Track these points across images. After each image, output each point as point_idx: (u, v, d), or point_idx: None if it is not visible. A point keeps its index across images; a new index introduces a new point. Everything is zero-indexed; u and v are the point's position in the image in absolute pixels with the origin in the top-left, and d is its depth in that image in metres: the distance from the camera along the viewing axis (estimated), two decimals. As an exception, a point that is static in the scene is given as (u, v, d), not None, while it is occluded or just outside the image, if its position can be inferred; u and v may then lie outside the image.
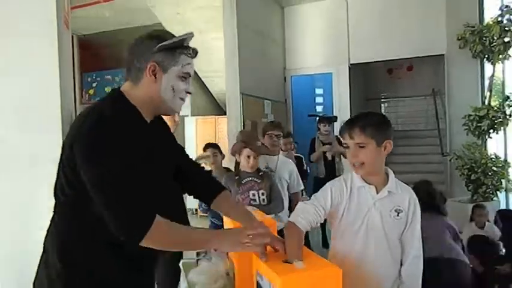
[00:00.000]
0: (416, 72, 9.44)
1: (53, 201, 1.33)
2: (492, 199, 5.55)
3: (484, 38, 5.67)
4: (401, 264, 1.64)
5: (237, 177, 2.71)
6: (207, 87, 7.99)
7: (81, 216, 1.28)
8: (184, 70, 1.34)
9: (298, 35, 7.39)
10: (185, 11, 6.37)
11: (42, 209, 2.34)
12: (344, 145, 1.65)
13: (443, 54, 6.55)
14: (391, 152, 6.13)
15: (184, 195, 1.92)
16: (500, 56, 5.66)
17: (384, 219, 1.58)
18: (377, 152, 1.57)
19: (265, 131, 3.26)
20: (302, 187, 3.19)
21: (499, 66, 5.90)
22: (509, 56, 5.68)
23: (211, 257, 2.05)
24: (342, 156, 4.76)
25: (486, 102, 5.76)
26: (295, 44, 7.41)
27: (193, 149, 6.87)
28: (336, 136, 4.74)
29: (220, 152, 3.48)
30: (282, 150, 4.40)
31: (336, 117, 5.50)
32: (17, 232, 2.40)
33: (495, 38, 5.56)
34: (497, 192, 5.67)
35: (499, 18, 5.52)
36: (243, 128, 5.41)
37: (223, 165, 3.52)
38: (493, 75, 5.84)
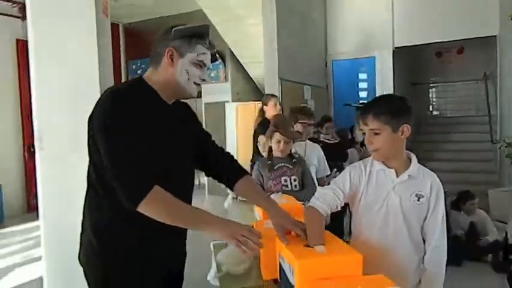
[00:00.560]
0: (467, 55, 8.93)
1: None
2: (545, 190, 5.22)
3: (541, 18, 5.26)
4: (424, 252, 1.60)
5: (269, 163, 2.70)
6: (247, 73, 8.01)
7: (106, 196, 1.39)
8: (199, 58, 1.45)
9: (339, 18, 7.22)
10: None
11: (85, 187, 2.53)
12: (360, 130, 1.65)
13: (495, 36, 6.15)
14: (441, 140, 6.04)
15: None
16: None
17: (404, 203, 1.55)
18: (393, 137, 1.53)
19: (297, 118, 3.19)
20: (328, 172, 3.16)
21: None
22: None
23: (215, 235, 2.11)
24: None
25: (542, 87, 5.37)
26: (336, 28, 7.25)
27: (233, 134, 6.95)
28: None
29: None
30: (322, 134, 4.41)
31: None
32: (64, 212, 2.55)
33: (553, 16, 5.14)
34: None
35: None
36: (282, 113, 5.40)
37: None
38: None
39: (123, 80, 8.75)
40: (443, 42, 7.13)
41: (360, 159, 1.76)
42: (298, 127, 3.14)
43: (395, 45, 6.92)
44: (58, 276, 2.53)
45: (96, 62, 2.50)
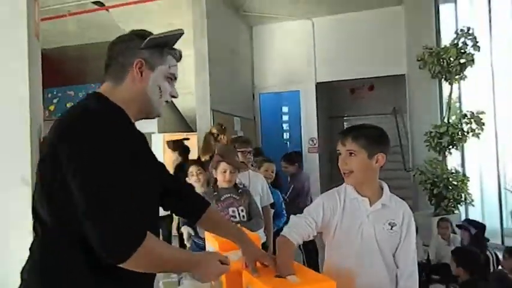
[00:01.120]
0: (377, 92, 9.79)
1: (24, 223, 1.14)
2: (454, 212, 5.78)
3: (441, 60, 5.99)
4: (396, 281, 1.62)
5: (215, 194, 2.63)
6: (174, 104, 7.90)
7: (71, 247, 1.08)
8: (171, 71, 1.26)
9: (266, 54, 7.53)
10: (153, 27, 6.30)
11: (7, 224, 2.22)
12: (337, 151, 1.65)
13: (404, 74, 6.86)
14: None
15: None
16: (457, 77, 5.99)
17: (377, 232, 1.59)
18: (367, 163, 1.58)
19: (236, 148, 3.15)
20: (271, 201, 3.17)
21: (456, 85, 6.24)
22: (465, 76, 6.02)
23: (194, 275, 1.99)
24: None
25: (445, 120, 6.06)
26: (263, 63, 7.54)
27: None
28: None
29: (204, 170, 3.28)
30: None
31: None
32: None
33: (452, 59, 5.88)
34: (459, 205, 5.91)
35: (455, 41, 5.87)
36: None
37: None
38: (450, 94, 6.17)
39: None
40: (356, 79, 7.75)
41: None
42: (238, 157, 3.14)
43: (318, 81, 7.37)
44: None
45: (27, 89, 2.29)
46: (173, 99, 4.84)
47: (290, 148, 7.71)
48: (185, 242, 2.97)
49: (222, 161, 2.67)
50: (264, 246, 2.59)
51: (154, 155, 1.39)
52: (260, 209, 2.89)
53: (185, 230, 2.85)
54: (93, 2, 6.24)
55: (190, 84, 5.89)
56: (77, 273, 1.08)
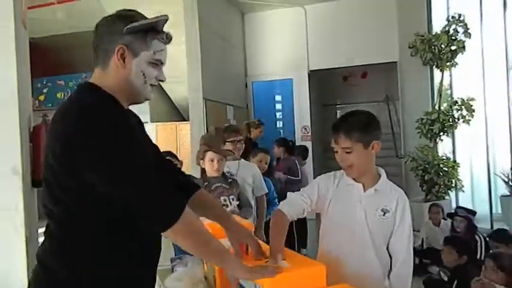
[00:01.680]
0: (370, 79, 9.81)
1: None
2: (444, 198, 5.86)
3: (433, 47, 6.00)
4: (390, 267, 1.63)
5: (206, 184, 2.62)
6: (166, 94, 7.86)
7: (86, 230, 1.14)
8: (155, 57, 1.23)
9: (258, 42, 7.48)
10: (145, 15, 6.25)
11: (2, 221, 2.22)
12: (333, 148, 1.65)
13: (395, 62, 6.87)
14: None
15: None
16: (448, 64, 6.02)
17: (369, 218, 1.59)
18: (365, 154, 1.58)
19: (226, 138, 3.10)
20: (266, 191, 3.16)
21: (447, 72, 6.28)
22: (456, 63, 6.05)
23: (187, 262, 2.01)
24: None
25: (436, 107, 6.10)
26: (255, 50, 7.50)
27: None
28: None
29: (178, 160, 3.25)
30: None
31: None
32: None
33: (443, 46, 5.91)
34: (449, 191, 5.99)
35: (447, 28, 5.88)
36: (206, 133, 5.38)
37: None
38: (441, 81, 6.20)
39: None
40: (348, 67, 7.75)
41: None
42: (228, 146, 3.08)
43: (310, 69, 7.35)
44: None
45: (15, 79, 2.27)
46: (166, 89, 4.79)
47: (287, 136, 7.71)
48: None
49: (209, 150, 2.67)
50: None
51: (149, 137, 1.43)
52: (250, 199, 2.91)
53: None
54: (82, -11, 6.15)
55: (182, 73, 5.85)
56: (96, 253, 1.15)
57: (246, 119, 7.44)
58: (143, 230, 1.15)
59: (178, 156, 3.42)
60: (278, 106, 8.37)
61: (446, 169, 5.84)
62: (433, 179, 5.71)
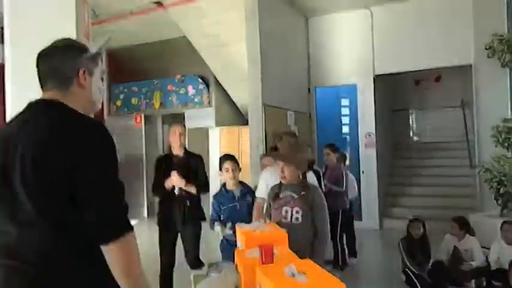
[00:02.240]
0: (444, 83, 9.21)
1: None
2: (523, 214, 5.30)
3: (513, 47, 5.49)
4: None
5: (277, 191, 2.55)
6: (230, 98, 8.07)
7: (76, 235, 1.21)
8: (103, 71, 1.43)
9: (322, 46, 7.38)
10: (209, 23, 6.50)
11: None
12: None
13: (470, 65, 6.38)
14: (422, 165, 6.34)
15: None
16: (530, 65, 5.46)
17: None
18: None
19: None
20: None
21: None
22: (540, 65, 5.46)
23: (222, 269, 2.05)
24: None
25: (516, 114, 5.55)
26: (319, 55, 7.40)
27: (217, 159, 6.91)
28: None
29: (238, 165, 3.27)
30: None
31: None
32: None
33: (524, 46, 5.37)
34: (529, 207, 5.41)
35: (529, 27, 5.34)
36: (265, 139, 5.43)
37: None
38: (522, 85, 5.64)
39: (105, 105, 8.69)
40: (420, 70, 7.33)
41: None
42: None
43: (376, 73, 7.09)
44: None
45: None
46: (230, 94, 4.98)
47: (350, 143, 7.53)
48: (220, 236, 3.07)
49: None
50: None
51: None
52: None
53: (217, 227, 2.97)
54: (154, 2, 6.54)
55: (244, 78, 5.95)
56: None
57: (309, 124, 7.38)
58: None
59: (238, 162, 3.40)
60: (344, 112, 8.18)
61: (526, 182, 5.28)
62: (510, 192, 5.19)
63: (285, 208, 2.41)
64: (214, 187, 3.64)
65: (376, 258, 5.72)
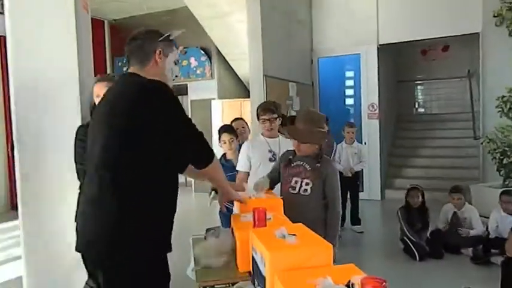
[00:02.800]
0: (452, 53, 9.04)
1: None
2: (525, 184, 5.31)
3: (522, 15, 5.35)
4: None
5: (290, 158, 2.39)
6: (233, 70, 8.01)
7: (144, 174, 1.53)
8: (176, 57, 1.78)
9: (325, 15, 7.24)
10: (211, -7, 6.37)
11: (66, 187, 2.49)
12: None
13: (478, 33, 6.24)
14: (425, 136, 6.37)
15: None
16: (539, 34, 5.33)
17: None
18: None
19: (258, 115, 2.91)
20: None
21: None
22: (549, 33, 5.34)
23: (219, 233, 2.12)
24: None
25: (522, 83, 5.46)
26: (322, 25, 7.27)
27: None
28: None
29: (237, 137, 3.37)
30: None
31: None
32: (44, 212, 2.52)
33: (534, 14, 5.23)
34: (531, 177, 5.41)
35: (540, -7, 5.18)
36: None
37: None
38: (530, 55, 5.52)
39: (108, 77, 8.66)
40: (426, 39, 7.18)
41: None
42: (260, 125, 2.94)
43: (380, 43, 6.97)
44: (37, 276, 2.51)
45: (76, 59, 2.48)
46: (232, 66, 5.09)
47: (353, 114, 7.50)
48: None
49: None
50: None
51: None
52: None
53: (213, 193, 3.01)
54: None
55: (246, 50, 5.89)
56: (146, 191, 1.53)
57: (311, 96, 7.35)
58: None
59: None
60: (348, 83, 8.10)
61: (529, 152, 5.26)
62: (513, 163, 5.19)
63: (294, 179, 2.31)
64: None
65: (376, 227, 5.81)
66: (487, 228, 4.10)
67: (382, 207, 6.71)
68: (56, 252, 2.51)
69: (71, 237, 2.46)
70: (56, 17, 2.43)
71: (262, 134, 2.93)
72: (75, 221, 1.67)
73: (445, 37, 7.03)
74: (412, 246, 4.06)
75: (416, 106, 10.06)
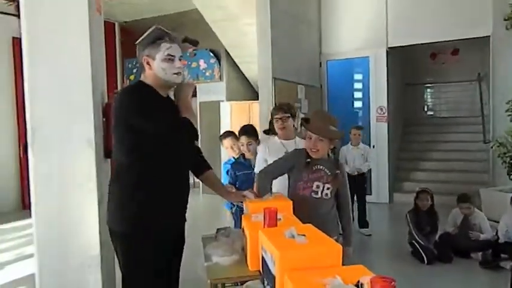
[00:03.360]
0: (462, 57, 8.99)
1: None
2: (535, 189, 5.27)
3: (533, 18, 5.32)
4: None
5: (307, 161, 2.33)
6: (242, 72, 8.05)
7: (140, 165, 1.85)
8: (166, 53, 1.83)
9: (334, 18, 7.25)
10: (219, -5, 6.41)
11: (76, 183, 2.53)
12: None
13: (488, 36, 6.21)
14: (434, 140, 6.35)
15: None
16: (551, 37, 5.29)
17: None
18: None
19: (271, 115, 2.97)
20: None
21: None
22: (560, 37, 5.30)
23: (229, 233, 2.14)
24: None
25: (533, 87, 5.43)
26: (331, 28, 7.28)
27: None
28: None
29: (257, 138, 3.33)
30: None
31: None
32: (57, 210, 2.55)
33: (545, 17, 5.20)
34: (541, 181, 5.36)
35: (551, -3, 5.15)
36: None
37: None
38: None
39: (118, 79, 8.77)
40: (436, 42, 7.15)
41: None
42: (276, 124, 2.93)
43: (389, 45, 6.96)
44: (50, 274, 2.53)
45: (89, 60, 2.49)
46: (241, 68, 5.12)
47: (362, 117, 7.48)
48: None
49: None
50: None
51: (175, 113, 1.93)
52: None
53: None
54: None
55: (255, 52, 5.93)
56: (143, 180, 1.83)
57: (320, 98, 7.35)
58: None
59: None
60: (356, 85, 8.09)
61: (539, 157, 5.22)
62: (523, 166, 5.15)
63: (316, 183, 2.30)
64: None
65: (384, 230, 5.79)
66: (496, 232, 4.07)
67: (391, 211, 6.69)
68: (68, 252, 2.55)
69: (84, 238, 2.51)
70: (70, 19, 2.46)
71: (277, 135, 2.94)
72: None
73: (455, 40, 7.01)
74: (420, 250, 4.05)
75: (425, 109, 10.01)
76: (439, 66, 9.53)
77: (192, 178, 2.45)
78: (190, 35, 1.87)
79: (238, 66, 7.91)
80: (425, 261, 3.98)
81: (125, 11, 8.14)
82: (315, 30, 7.24)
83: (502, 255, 3.93)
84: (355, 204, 5.17)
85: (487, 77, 7.05)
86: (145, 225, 1.80)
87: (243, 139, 3.33)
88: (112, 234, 1.92)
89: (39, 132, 2.51)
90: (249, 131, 3.37)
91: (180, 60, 1.89)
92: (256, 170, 2.97)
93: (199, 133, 1.99)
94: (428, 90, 10.22)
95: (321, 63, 7.36)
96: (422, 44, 7.13)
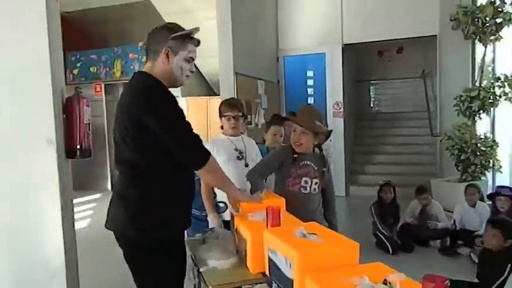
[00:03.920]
0: (406, 55, 9.43)
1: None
2: (480, 178, 5.65)
3: (476, 19, 5.67)
4: None
5: (295, 156, 2.32)
6: (197, 68, 7.85)
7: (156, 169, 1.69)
8: (189, 55, 1.76)
9: (291, 15, 7.29)
10: (175, -11, 6.20)
11: (34, 185, 2.29)
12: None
13: (435, 35, 6.55)
14: (382, 134, 6.51)
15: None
16: (492, 38, 5.69)
17: None
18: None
19: (222, 112, 2.65)
20: None
21: (490, 47, 5.94)
22: (501, 37, 5.71)
23: (218, 234, 2.03)
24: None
25: (477, 84, 5.81)
26: (288, 24, 7.31)
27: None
28: None
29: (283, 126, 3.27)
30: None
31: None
32: (15, 212, 2.34)
33: (488, 18, 5.57)
34: (486, 171, 5.77)
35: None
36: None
37: None
38: (484, 57, 5.88)
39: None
40: (384, 41, 7.41)
41: None
42: (223, 122, 2.66)
43: (345, 42, 7.12)
44: (9, 277, 2.36)
45: (47, 51, 2.29)
46: (197, 64, 4.80)
47: (315, 112, 7.57)
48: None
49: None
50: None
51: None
52: None
53: None
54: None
55: (212, 48, 5.79)
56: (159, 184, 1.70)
57: (277, 94, 7.36)
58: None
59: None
60: (310, 81, 8.21)
61: (484, 148, 5.61)
62: (470, 158, 5.51)
63: (304, 178, 2.29)
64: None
65: (346, 223, 5.91)
66: (454, 222, 4.30)
67: (348, 203, 6.86)
68: (28, 252, 2.35)
69: (45, 246, 2.30)
70: (27, 6, 2.24)
71: (223, 133, 2.67)
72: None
73: (401, 39, 7.32)
74: (385, 240, 4.18)
75: (374, 105, 10.41)
76: (385, 63, 9.94)
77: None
78: (139, 27, 1.68)
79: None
80: (390, 251, 4.12)
81: (67, 0, 7.60)
82: (272, 26, 7.23)
83: (459, 242, 4.16)
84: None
85: (431, 74, 7.46)
86: (172, 233, 1.74)
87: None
88: (126, 243, 1.73)
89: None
90: (276, 121, 3.33)
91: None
92: None
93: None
94: (376, 86, 10.62)
95: (278, 58, 7.37)
96: (372, 42, 7.37)
